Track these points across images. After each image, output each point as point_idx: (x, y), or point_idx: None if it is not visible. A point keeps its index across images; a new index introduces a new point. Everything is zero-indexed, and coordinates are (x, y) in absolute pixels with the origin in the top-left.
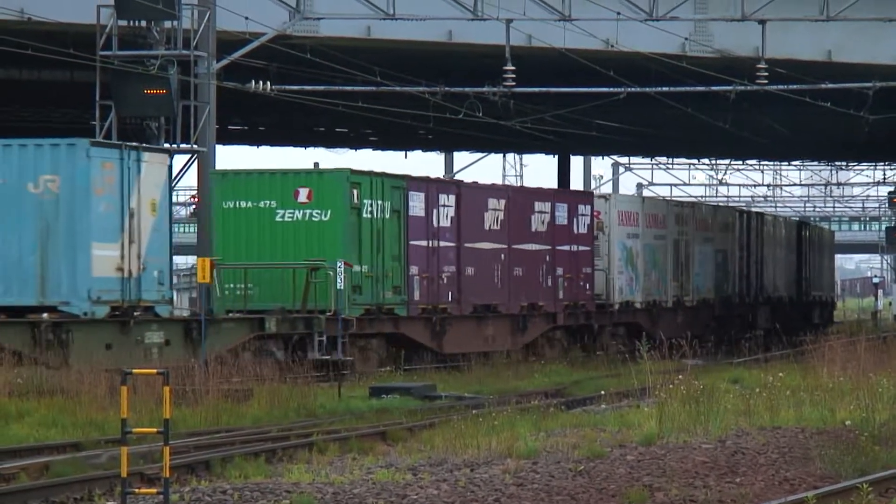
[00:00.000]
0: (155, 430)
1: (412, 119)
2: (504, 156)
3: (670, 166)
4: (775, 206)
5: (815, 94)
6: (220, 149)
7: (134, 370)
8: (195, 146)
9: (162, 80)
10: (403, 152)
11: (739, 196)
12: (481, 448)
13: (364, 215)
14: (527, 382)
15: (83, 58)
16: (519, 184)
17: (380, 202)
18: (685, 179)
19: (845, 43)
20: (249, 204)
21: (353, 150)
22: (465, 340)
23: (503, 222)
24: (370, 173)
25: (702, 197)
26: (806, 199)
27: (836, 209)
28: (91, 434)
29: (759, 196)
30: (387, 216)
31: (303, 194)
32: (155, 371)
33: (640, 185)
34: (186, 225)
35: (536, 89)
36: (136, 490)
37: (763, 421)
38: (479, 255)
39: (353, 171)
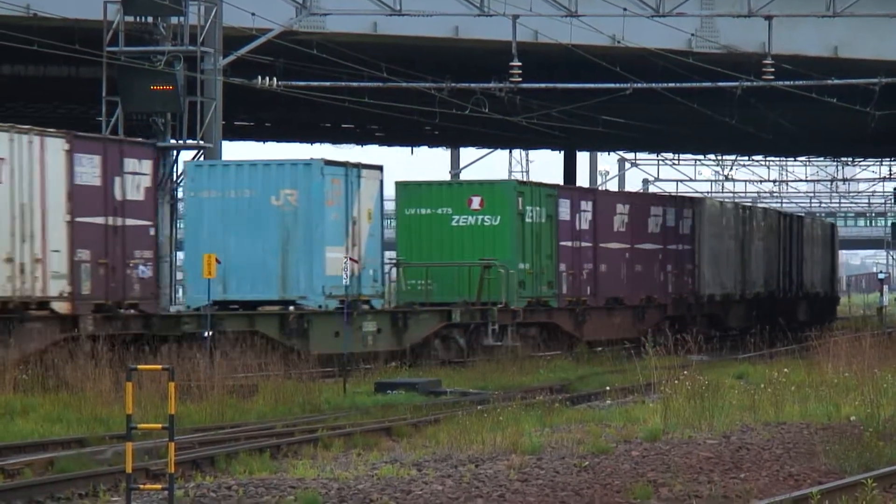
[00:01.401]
0: (160, 425)
1: (418, 115)
2: (510, 151)
3: (676, 162)
4: (781, 202)
5: (821, 89)
6: (226, 144)
7: (139, 366)
8: (201, 142)
9: (168, 76)
10: (410, 148)
11: (745, 192)
12: (486, 444)
13: (526, 220)
14: (531, 378)
15: (89, 54)
16: (526, 179)
17: (538, 208)
18: (691, 175)
19: (851, 39)
20: (428, 211)
21: (360, 146)
22: (600, 328)
23: (627, 225)
24: (530, 183)
25: (708, 193)
26: (812, 194)
27: (842, 205)
28: (96, 430)
29: (765, 192)
30: (542, 221)
31: (475, 202)
32: (160, 367)
33: (645, 181)
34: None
35: (543, 85)
36: (141, 486)
37: (768, 416)
38: (610, 254)
39: (518, 182)
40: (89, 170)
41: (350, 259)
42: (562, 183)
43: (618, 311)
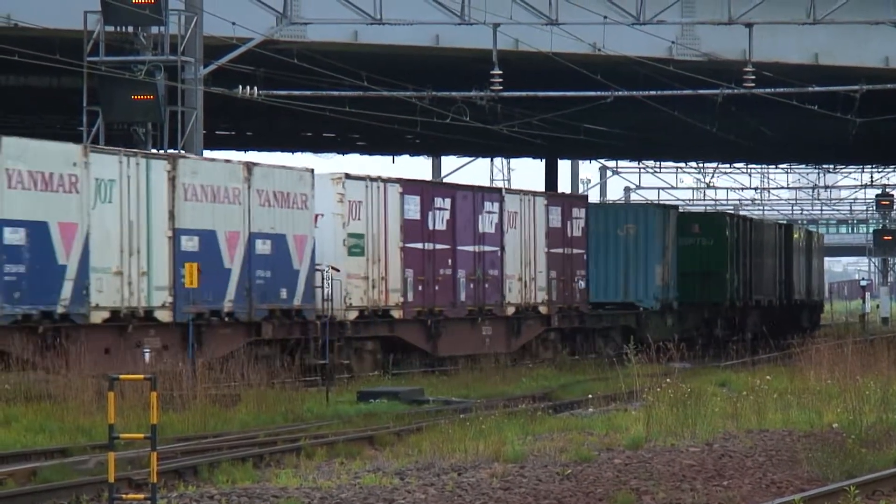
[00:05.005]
0: (142, 435)
1: (399, 123)
2: (492, 160)
3: (658, 170)
4: (763, 210)
5: (802, 97)
6: (207, 154)
7: (121, 376)
8: (183, 152)
9: (149, 86)
10: (391, 157)
11: (727, 200)
12: (468, 452)
13: (729, 241)
14: (514, 386)
15: (70, 64)
16: (507, 187)
17: (731, 233)
18: (673, 183)
19: (832, 46)
20: None
21: (341, 155)
22: (755, 323)
23: (763, 242)
24: (729, 214)
25: (689, 201)
26: (793, 202)
27: (824, 212)
28: (78, 440)
29: (747, 199)
30: (731, 242)
31: (695, 228)
32: (142, 376)
33: (627, 189)
34: None
35: (524, 93)
36: (124, 496)
37: (750, 424)
38: (756, 265)
39: (727, 214)
40: (556, 217)
41: (332, 268)
42: (544, 190)
43: (757, 309)
